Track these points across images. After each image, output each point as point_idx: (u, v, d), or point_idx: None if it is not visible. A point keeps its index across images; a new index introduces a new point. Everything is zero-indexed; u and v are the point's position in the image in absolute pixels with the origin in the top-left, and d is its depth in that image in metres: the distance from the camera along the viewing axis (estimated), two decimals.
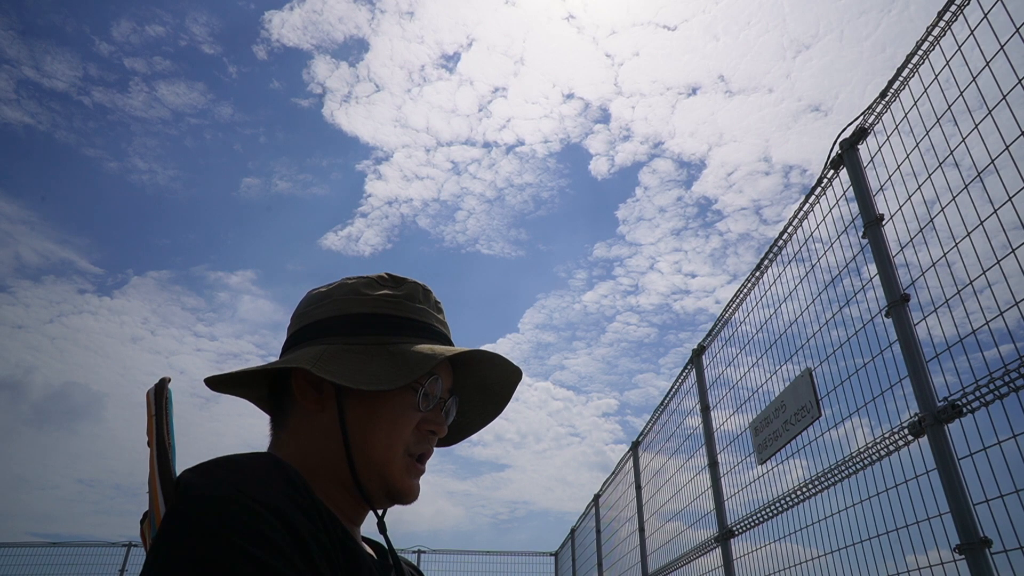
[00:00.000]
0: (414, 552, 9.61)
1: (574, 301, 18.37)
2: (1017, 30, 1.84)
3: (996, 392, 1.83)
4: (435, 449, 0.85)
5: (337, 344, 0.78)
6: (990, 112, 1.92)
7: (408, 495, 0.79)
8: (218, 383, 0.80)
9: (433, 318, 0.85)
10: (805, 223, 2.99)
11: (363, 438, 0.76)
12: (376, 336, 0.79)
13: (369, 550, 0.78)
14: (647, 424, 5.62)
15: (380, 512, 0.80)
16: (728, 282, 16.51)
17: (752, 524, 3.33)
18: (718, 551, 3.72)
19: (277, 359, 0.82)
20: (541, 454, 17.41)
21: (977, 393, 1.89)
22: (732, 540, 3.61)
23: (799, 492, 2.84)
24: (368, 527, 0.83)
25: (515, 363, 0.86)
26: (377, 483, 0.76)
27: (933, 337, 2.13)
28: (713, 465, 3.90)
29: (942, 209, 2.10)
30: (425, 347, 0.79)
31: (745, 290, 3.58)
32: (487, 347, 0.86)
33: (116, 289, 16.36)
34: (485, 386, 0.91)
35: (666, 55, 16.13)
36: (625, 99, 16.80)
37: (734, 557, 3.58)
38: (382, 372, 0.74)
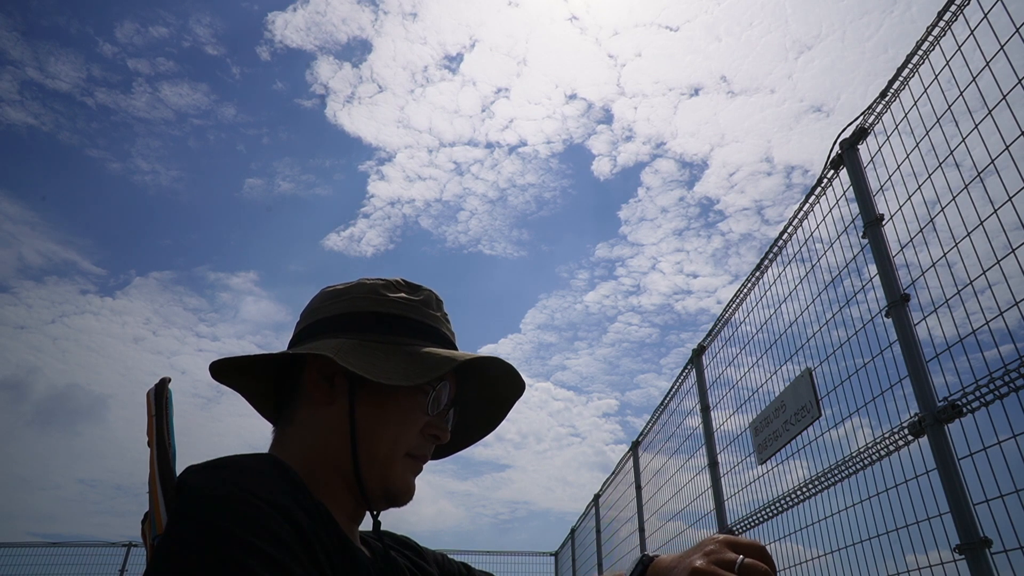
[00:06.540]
0: None
1: (576, 301, 18.38)
2: (1017, 30, 1.84)
3: (996, 392, 1.83)
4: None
5: (354, 340, 0.78)
6: (990, 112, 1.92)
7: (406, 494, 0.79)
8: (225, 367, 0.79)
9: (445, 327, 0.86)
10: (805, 223, 3.00)
11: (371, 434, 0.76)
12: (392, 336, 0.80)
13: (367, 551, 0.78)
14: (647, 424, 5.62)
15: (375, 512, 0.80)
16: (730, 282, 16.53)
17: (752, 524, 3.33)
18: None
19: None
20: (542, 454, 17.41)
21: (977, 393, 1.89)
22: None
23: (799, 492, 2.84)
24: (365, 527, 0.84)
25: (522, 377, 0.87)
26: (377, 480, 0.76)
27: (933, 337, 2.13)
28: (713, 465, 3.90)
29: (942, 209, 2.10)
30: (443, 351, 0.80)
31: (745, 290, 3.58)
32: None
33: (118, 290, 16.38)
34: (482, 401, 0.91)
35: (668, 56, 16.15)
36: (627, 100, 16.83)
37: None
38: (401, 369, 0.75)
